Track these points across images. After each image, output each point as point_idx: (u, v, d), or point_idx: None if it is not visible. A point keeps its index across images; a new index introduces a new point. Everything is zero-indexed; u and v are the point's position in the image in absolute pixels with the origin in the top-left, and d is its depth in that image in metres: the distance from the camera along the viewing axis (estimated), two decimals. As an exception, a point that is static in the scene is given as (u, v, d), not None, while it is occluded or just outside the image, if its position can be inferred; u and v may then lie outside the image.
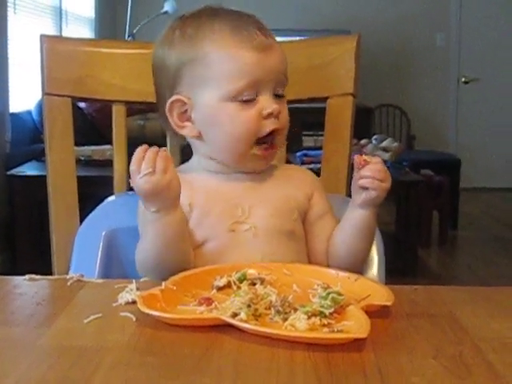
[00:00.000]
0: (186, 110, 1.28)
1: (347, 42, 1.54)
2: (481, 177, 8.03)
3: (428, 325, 0.95)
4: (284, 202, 1.29)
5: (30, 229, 3.97)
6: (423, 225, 5.16)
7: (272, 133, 1.24)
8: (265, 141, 1.24)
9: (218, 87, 1.22)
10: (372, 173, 1.19)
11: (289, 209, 1.29)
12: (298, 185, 1.33)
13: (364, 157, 1.20)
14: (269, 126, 1.23)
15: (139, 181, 1.09)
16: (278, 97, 1.24)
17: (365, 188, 1.21)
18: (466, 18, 8.07)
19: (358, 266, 1.18)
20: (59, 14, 6.08)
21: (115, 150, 1.56)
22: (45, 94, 1.50)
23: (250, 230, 1.24)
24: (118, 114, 1.55)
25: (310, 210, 1.33)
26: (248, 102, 1.22)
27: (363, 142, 5.22)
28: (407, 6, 8.06)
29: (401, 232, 4.65)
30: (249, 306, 0.95)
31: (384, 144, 5.26)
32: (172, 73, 1.27)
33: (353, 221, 1.26)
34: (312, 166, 4.48)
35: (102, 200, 1.51)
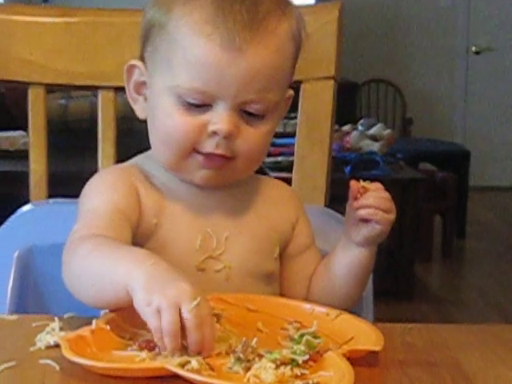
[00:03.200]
0: (144, 82, 1.28)
1: (326, 12, 1.56)
2: (495, 173, 8.09)
3: (426, 376, 0.97)
4: (266, 235, 1.30)
5: None
6: (422, 233, 5.20)
7: (219, 155, 1.21)
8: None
9: (170, 74, 1.21)
10: (375, 201, 1.20)
11: (271, 244, 1.30)
12: (281, 211, 1.34)
13: (362, 183, 1.21)
14: (210, 146, 1.20)
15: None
16: (248, 115, 1.21)
17: (365, 220, 1.21)
18: (478, -30, 8.14)
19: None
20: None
21: (32, 144, 1.56)
22: None
23: (222, 271, 1.24)
24: (35, 99, 1.55)
25: (292, 241, 1.34)
26: (197, 107, 1.19)
27: (346, 128, 5.25)
28: (404, -46, 8.12)
29: (394, 243, 4.68)
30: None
31: (373, 131, 5.30)
32: (144, 30, 1.26)
33: (349, 263, 1.26)
34: (280, 158, 4.50)
35: (13, 204, 1.51)
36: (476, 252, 5.92)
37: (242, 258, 1.26)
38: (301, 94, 1.57)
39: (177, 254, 1.22)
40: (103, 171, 1.31)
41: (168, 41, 1.21)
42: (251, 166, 1.28)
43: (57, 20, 1.55)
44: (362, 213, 1.20)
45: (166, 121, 1.22)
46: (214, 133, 1.18)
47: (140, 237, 1.22)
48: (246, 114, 1.20)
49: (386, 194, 1.21)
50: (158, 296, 0.96)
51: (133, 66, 1.29)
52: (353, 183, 1.21)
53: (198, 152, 1.20)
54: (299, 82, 1.55)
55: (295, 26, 1.24)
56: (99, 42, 1.51)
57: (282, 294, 1.33)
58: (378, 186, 1.22)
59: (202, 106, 1.19)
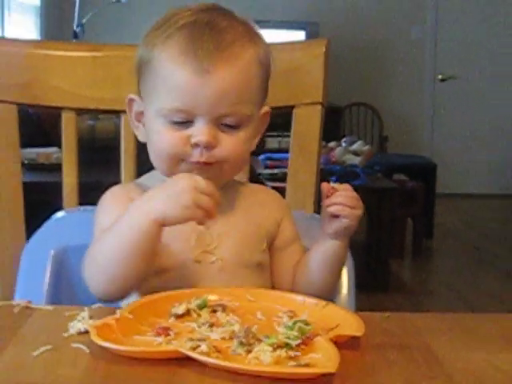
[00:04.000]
0: (142, 112, 1.30)
1: (315, 48, 1.57)
2: (458, 182, 8.11)
3: (401, 357, 0.97)
4: (254, 231, 1.31)
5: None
6: (396, 234, 5.20)
7: (204, 162, 1.22)
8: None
9: (157, 100, 1.23)
10: (343, 199, 1.21)
11: (258, 239, 1.31)
12: (267, 210, 1.35)
13: (332, 184, 1.22)
14: (195, 156, 1.22)
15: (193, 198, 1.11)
16: (226, 127, 1.23)
17: (335, 216, 1.22)
18: (443, 10, 8.15)
19: (325, 298, 1.19)
20: (0, 0, 6.05)
21: (65, 160, 1.56)
22: (-12, 99, 1.50)
23: (216, 263, 1.25)
24: (68, 121, 1.55)
25: (278, 236, 1.35)
26: (181, 124, 1.21)
27: (332, 144, 5.26)
28: (380, -4, 8.13)
29: (372, 242, 4.69)
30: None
31: (354, 147, 5.31)
32: (136, 67, 1.29)
33: (323, 252, 1.28)
34: (276, 170, 4.51)
35: (48, 209, 1.51)
36: (442, 250, 5.93)
37: (232, 250, 1.27)
38: (293, 117, 1.57)
39: (176, 251, 1.24)
40: (110, 191, 1.31)
41: (154, 73, 1.24)
42: (234, 170, 1.30)
43: (86, 54, 1.56)
44: (332, 209, 1.22)
45: (158, 138, 1.24)
46: (196, 144, 1.21)
47: None
48: (223, 126, 1.23)
49: (353, 194, 1.23)
50: (178, 206, 1.11)
51: (131, 100, 1.32)
52: (324, 185, 1.22)
53: (187, 162, 1.23)
54: (291, 107, 1.57)
55: (262, 53, 1.27)
56: (122, 73, 1.51)
57: (273, 284, 1.34)
58: (346, 186, 1.23)
59: (185, 122, 1.21)
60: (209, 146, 1.21)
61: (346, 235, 1.26)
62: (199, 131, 1.20)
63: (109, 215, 1.24)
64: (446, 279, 5.08)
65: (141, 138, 1.34)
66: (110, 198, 1.30)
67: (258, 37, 1.29)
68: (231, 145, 1.23)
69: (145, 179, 1.36)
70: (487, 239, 6.29)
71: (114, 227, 1.16)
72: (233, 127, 1.23)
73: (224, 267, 1.26)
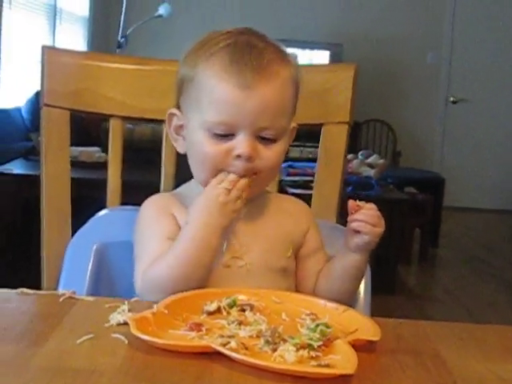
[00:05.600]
0: (181, 125, 1.30)
1: (345, 71, 1.56)
2: (464, 197, 8.08)
3: (412, 362, 0.96)
4: (280, 238, 1.30)
5: (14, 229, 3.94)
6: (404, 242, 5.19)
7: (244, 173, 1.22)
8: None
9: (200, 113, 1.22)
10: (365, 217, 1.20)
11: (284, 246, 1.30)
12: (294, 220, 1.34)
13: (357, 202, 1.21)
14: (236, 167, 1.21)
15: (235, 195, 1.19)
16: (264, 140, 1.22)
17: (358, 232, 1.22)
18: (458, 37, 8.14)
19: (344, 303, 1.18)
20: (53, 11, 6.10)
21: (110, 161, 1.56)
22: (44, 105, 1.51)
23: (244, 267, 1.25)
24: (115, 128, 1.56)
25: (304, 244, 1.34)
26: (223, 136, 1.21)
27: (349, 156, 5.25)
28: (401, 22, 8.12)
29: (382, 249, 4.65)
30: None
31: (370, 160, 5.30)
32: (178, 85, 1.29)
33: (344, 264, 1.27)
34: (297, 178, 4.49)
35: (88, 203, 1.51)
36: (446, 259, 5.91)
37: (259, 256, 1.26)
38: (322, 134, 1.57)
39: None
40: (150, 202, 1.32)
41: (197, 88, 1.23)
42: (267, 182, 1.31)
43: (133, 67, 1.56)
44: (354, 225, 1.21)
45: (201, 150, 1.23)
46: (239, 156, 1.20)
47: None
48: (261, 139, 1.22)
49: (377, 212, 1.22)
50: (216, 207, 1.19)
51: (172, 114, 1.32)
52: (350, 202, 1.21)
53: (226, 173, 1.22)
54: (321, 125, 1.56)
55: (294, 72, 1.27)
56: (165, 85, 1.51)
57: (296, 287, 1.33)
58: (371, 205, 1.22)
59: (227, 135, 1.20)
60: (250, 158, 1.20)
61: (366, 250, 1.25)
62: (241, 144, 1.20)
63: (153, 227, 1.26)
64: (447, 286, 5.06)
65: (180, 150, 1.33)
66: (152, 210, 1.30)
67: (289, 57, 1.29)
68: (269, 157, 1.23)
69: (182, 189, 1.36)
70: (488, 251, 6.25)
71: (179, 248, 1.18)
72: (270, 140, 1.23)
73: (251, 271, 1.25)
